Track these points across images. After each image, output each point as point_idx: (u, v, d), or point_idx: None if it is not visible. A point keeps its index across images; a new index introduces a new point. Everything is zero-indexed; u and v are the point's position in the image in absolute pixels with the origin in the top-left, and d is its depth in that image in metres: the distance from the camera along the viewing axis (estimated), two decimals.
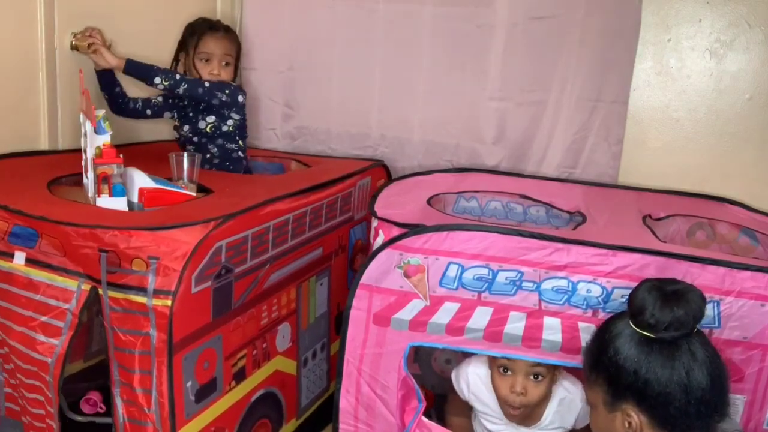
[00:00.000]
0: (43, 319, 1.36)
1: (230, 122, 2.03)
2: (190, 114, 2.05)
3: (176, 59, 2.10)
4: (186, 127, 2.06)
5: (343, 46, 2.31)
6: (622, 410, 1.16)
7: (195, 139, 2.05)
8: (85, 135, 1.56)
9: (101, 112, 1.55)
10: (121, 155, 1.51)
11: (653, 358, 1.12)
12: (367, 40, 2.28)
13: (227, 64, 2.05)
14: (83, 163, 1.61)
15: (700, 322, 1.15)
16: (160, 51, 2.12)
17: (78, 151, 1.64)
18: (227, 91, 1.98)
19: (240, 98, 2.02)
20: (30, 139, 1.80)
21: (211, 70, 2.02)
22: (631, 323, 1.17)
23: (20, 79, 1.74)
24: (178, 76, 1.91)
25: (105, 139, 1.53)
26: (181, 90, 1.90)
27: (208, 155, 2.04)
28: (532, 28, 2.08)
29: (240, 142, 2.08)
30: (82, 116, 1.63)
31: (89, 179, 1.56)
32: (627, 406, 1.15)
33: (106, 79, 1.98)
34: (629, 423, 1.15)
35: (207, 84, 1.95)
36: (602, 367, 1.19)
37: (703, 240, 1.76)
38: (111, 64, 1.86)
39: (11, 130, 1.74)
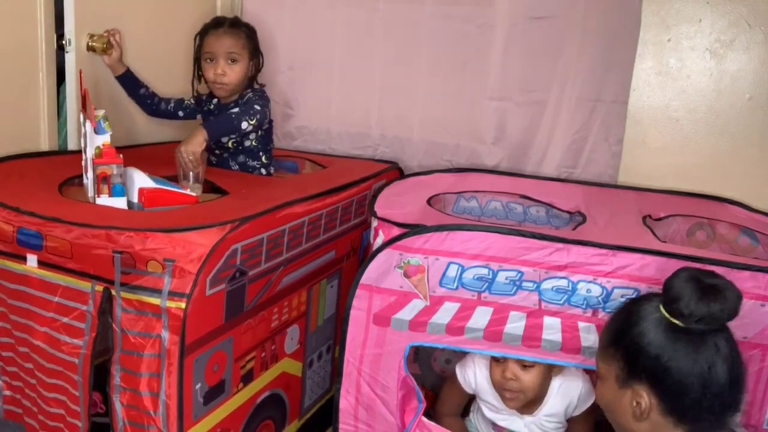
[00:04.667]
0: (65, 320, 1.36)
1: (252, 136, 1.97)
2: None
3: (196, 70, 2.03)
4: None
5: (343, 46, 2.31)
6: (634, 389, 1.15)
7: (217, 151, 2.01)
8: (85, 135, 1.56)
9: (101, 112, 1.55)
10: (120, 155, 1.51)
11: (678, 347, 1.12)
12: (367, 40, 2.28)
13: (234, 60, 1.94)
14: (83, 163, 1.62)
15: (733, 319, 1.14)
16: (159, 52, 2.13)
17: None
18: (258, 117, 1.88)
19: (265, 122, 1.94)
20: (30, 139, 1.80)
21: (216, 69, 1.93)
22: (662, 308, 1.16)
23: (20, 79, 1.74)
24: (256, 108, 1.86)
25: (105, 139, 1.53)
26: (263, 116, 1.88)
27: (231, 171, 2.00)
28: (532, 28, 2.08)
29: (263, 158, 2.02)
30: (82, 116, 1.63)
31: (89, 179, 1.57)
32: (640, 386, 1.14)
33: (127, 83, 1.98)
34: (638, 403, 1.14)
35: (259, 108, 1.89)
36: (623, 343, 1.18)
37: (703, 240, 1.76)
38: (205, 136, 1.76)
39: (11, 130, 1.74)
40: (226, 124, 1.84)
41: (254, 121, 1.85)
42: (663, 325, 1.14)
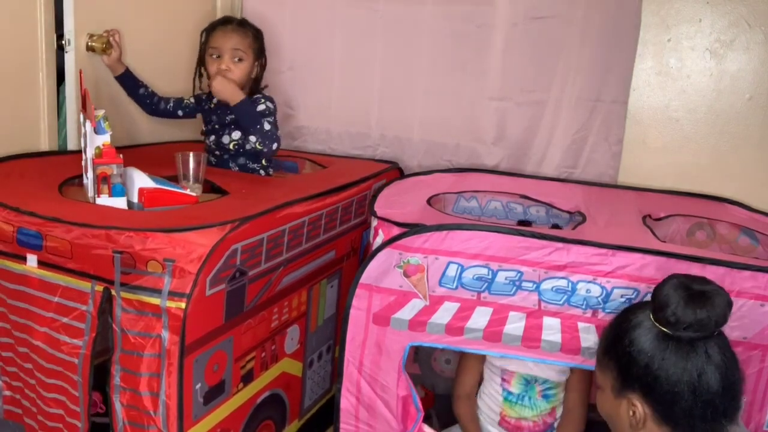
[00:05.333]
0: (65, 320, 1.36)
1: (253, 139, 1.96)
2: (216, 126, 2.00)
3: (198, 67, 2.04)
4: (212, 138, 2.01)
5: (343, 45, 2.31)
6: (628, 399, 1.16)
7: (217, 152, 2.01)
8: (85, 135, 1.56)
9: (101, 112, 1.55)
10: (120, 155, 1.51)
11: (667, 355, 1.12)
12: (367, 40, 2.28)
13: (240, 59, 1.94)
14: (83, 163, 1.61)
15: (722, 326, 1.13)
16: (159, 52, 2.13)
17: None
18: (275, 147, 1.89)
19: (274, 147, 1.89)
20: (30, 139, 1.80)
21: (220, 65, 1.92)
22: (651, 317, 1.16)
23: (20, 79, 1.74)
24: (274, 146, 1.87)
25: (105, 139, 1.53)
26: (270, 153, 1.89)
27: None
28: (532, 28, 2.08)
29: (263, 160, 2.02)
30: (82, 116, 1.63)
31: (89, 179, 1.57)
32: (633, 396, 1.15)
33: (126, 83, 1.98)
34: (633, 412, 1.15)
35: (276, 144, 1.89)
36: (615, 353, 1.18)
37: (703, 240, 1.76)
38: (235, 99, 1.85)
39: (11, 130, 1.74)
40: (250, 120, 1.87)
41: (263, 148, 1.86)
42: (653, 334, 1.14)
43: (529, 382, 1.60)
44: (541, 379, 1.59)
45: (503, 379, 1.62)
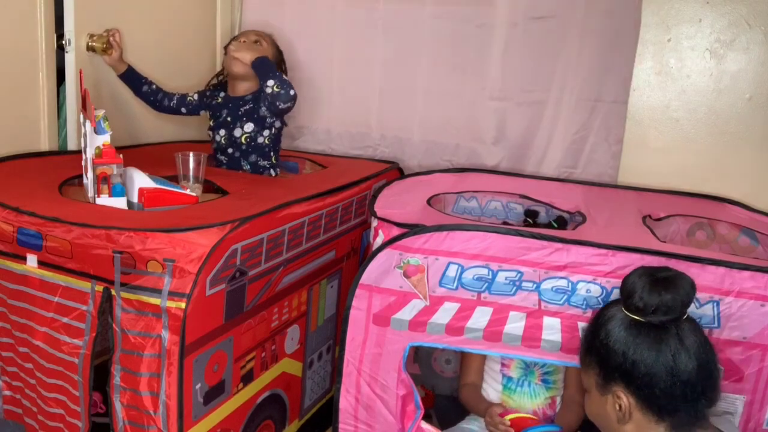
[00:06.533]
0: (65, 320, 1.36)
1: (267, 132, 1.97)
2: (228, 119, 1.98)
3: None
4: (222, 132, 2.00)
5: (343, 45, 2.32)
6: (613, 392, 1.19)
7: (229, 150, 1.99)
8: (85, 135, 1.56)
9: (101, 112, 1.55)
10: (120, 155, 1.51)
11: (641, 341, 1.16)
12: (367, 40, 2.28)
13: (257, 42, 2.00)
14: (83, 163, 1.61)
15: (689, 307, 1.18)
16: (159, 51, 2.13)
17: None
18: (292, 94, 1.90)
19: (291, 93, 1.90)
20: (30, 139, 1.80)
21: (240, 39, 1.99)
22: (622, 307, 1.20)
23: (20, 79, 1.74)
24: (292, 92, 1.88)
25: (105, 139, 1.53)
26: (288, 97, 1.88)
27: (240, 171, 1.99)
28: (532, 28, 2.08)
29: (273, 157, 2.02)
30: (82, 116, 1.63)
31: (89, 179, 1.57)
32: (617, 388, 1.18)
33: (130, 82, 2.00)
34: (620, 405, 1.18)
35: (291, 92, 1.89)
36: (595, 350, 1.22)
37: (703, 240, 1.76)
38: (246, 60, 1.91)
39: (11, 130, 1.74)
40: (270, 70, 1.89)
41: (280, 90, 1.85)
42: (625, 323, 1.18)
43: (528, 365, 1.61)
44: (540, 361, 1.59)
45: (503, 365, 1.63)
